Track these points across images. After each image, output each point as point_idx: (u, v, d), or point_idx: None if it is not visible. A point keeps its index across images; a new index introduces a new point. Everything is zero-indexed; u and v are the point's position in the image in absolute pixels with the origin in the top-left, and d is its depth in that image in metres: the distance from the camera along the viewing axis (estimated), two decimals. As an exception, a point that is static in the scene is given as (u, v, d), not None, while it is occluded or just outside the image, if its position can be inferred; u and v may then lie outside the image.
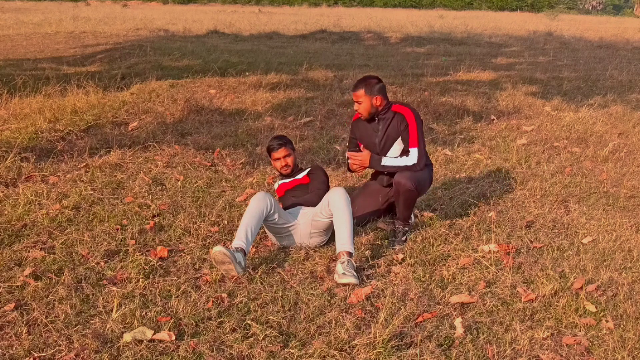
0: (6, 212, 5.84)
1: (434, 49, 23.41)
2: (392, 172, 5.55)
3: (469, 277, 4.97)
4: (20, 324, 4.06)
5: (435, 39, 27.71)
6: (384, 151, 5.67)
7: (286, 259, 5.25)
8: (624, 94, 13.74)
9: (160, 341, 3.91)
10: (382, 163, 5.57)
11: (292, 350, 3.86)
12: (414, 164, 5.47)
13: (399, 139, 5.60)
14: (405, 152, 5.55)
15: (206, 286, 4.68)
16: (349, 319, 4.26)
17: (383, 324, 4.13)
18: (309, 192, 5.65)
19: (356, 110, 5.71)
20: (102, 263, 4.99)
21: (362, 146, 5.86)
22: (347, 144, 6.28)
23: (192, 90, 12.32)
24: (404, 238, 5.59)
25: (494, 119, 10.69)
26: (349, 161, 5.79)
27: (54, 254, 5.09)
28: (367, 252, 5.38)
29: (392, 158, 5.55)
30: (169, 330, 4.01)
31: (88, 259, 5.05)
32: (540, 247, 5.59)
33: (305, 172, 5.89)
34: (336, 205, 5.09)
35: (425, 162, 5.59)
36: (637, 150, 8.96)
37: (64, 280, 4.63)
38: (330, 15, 50.33)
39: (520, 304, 4.54)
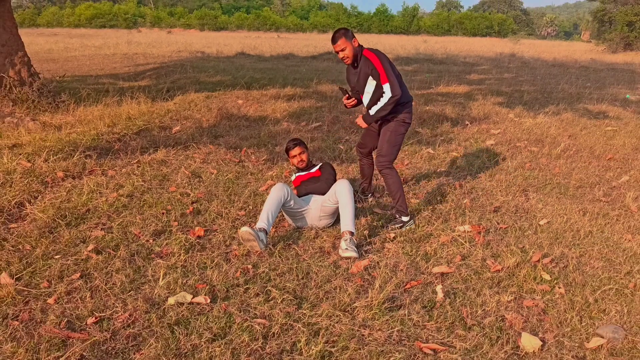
0: (73, 199, 5.85)
1: (419, 67, 23.36)
2: (379, 114, 5.43)
3: (447, 252, 4.96)
4: (84, 290, 4.08)
5: (420, 59, 27.64)
6: (361, 86, 5.53)
7: (300, 237, 5.24)
8: (573, 104, 13.69)
9: (198, 304, 3.93)
10: (371, 114, 5.46)
11: (304, 311, 3.87)
12: (391, 97, 5.31)
13: (370, 78, 5.42)
14: (380, 91, 5.37)
15: (235, 259, 4.68)
16: (351, 285, 4.26)
17: (378, 289, 4.13)
18: (320, 182, 5.64)
19: (342, 59, 5.49)
20: (151, 240, 4.99)
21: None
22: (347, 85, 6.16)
23: (224, 100, 12.32)
24: (398, 226, 5.54)
25: (468, 124, 10.66)
26: (344, 98, 5.76)
27: (112, 233, 5.10)
28: (365, 232, 5.37)
29: (376, 106, 5.39)
30: (205, 295, 4.02)
31: (139, 237, 5.06)
32: (505, 228, 5.57)
33: (317, 167, 5.90)
34: (341, 194, 5.09)
35: (400, 90, 5.34)
36: (584, 149, 8.93)
37: (120, 254, 4.65)
38: (335, 40, 50.25)
39: (489, 274, 4.53)
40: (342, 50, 5.38)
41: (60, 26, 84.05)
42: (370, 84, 5.43)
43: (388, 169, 5.57)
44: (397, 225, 5.52)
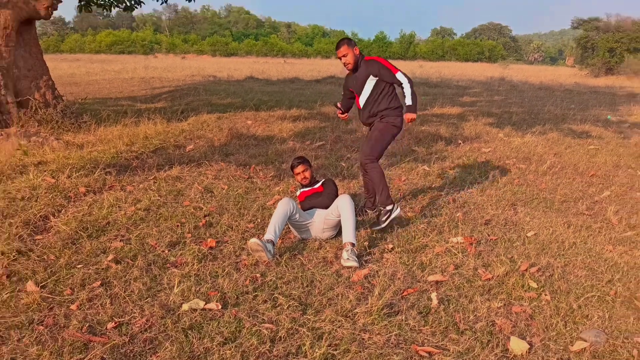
0: (94, 212, 5.87)
1: (415, 90, 23.30)
2: (415, 99, 5.51)
3: (442, 261, 4.97)
4: (104, 297, 4.09)
5: (416, 82, 27.57)
6: (359, 86, 5.64)
7: (304, 248, 5.26)
8: (559, 124, 13.71)
9: (210, 310, 3.94)
10: (410, 104, 5.50)
11: (309, 317, 3.88)
12: (409, 80, 5.49)
13: (370, 77, 5.54)
14: (396, 83, 5.54)
15: (244, 268, 4.69)
16: (352, 293, 4.27)
17: (377, 296, 4.14)
18: (323, 197, 5.67)
19: (344, 65, 5.61)
20: (166, 251, 5.01)
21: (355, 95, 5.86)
22: (342, 93, 6.22)
23: (234, 121, 12.36)
24: (385, 217, 5.56)
25: (460, 143, 10.68)
26: (338, 112, 5.89)
27: (130, 244, 5.13)
28: (365, 243, 5.39)
29: (407, 98, 5.48)
30: (217, 301, 4.04)
31: (156, 248, 5.08)
32: (496, 239, 5.58)
33: (320, 183, 5.91)
34: (343, 208, 5.12)
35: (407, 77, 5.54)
36: (569, 166, 8.94)
37: (137, 264, 4.67)
38: (338, 65, 50.40)
39: (481, 282, 4.54)
40: (344, 56, 5.50)
41: (82, 52, 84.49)
42: (370, 82, 5.58)
43: (372, 164, 5.67)
44: (384, 217, 5.55)
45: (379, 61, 5.55)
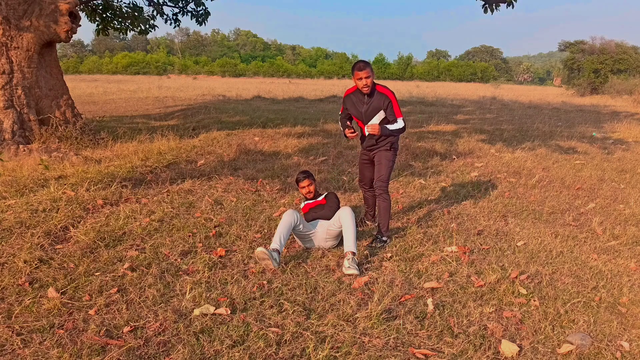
0: (111, 223, 5.90)
1: (412, 109, 23.46)
2: (394, 133, 5.54)
3: (437, 269, 4.97)
4: (121, 303, 4.11)
5: (413, 101, 27.78)
6: (368, 118, 5.58)
7: (308, 256, 5.27)
8: (547, 140, 13.74)
9: (220, 314, 3.95)
10: (389, 128, 5.50)
11: (312, 321, 3.89)
12: (402, 127, 5.54)
13: (381, 112, 5.51)
14: (391, 122, 5.54)
15: (252, 276, 4.71)
16: (353, 299, 4.28)
17: (377, 302, 4.15)
18: (325, 209, 5.69)
19: (363, 86, 5.37)
20: (179, 259, 5.03)
21: (354, 119, 5.84)
22: (340, 113, 6.08)
23: (242, 137, 12.40)
24: (379, 245, 5.61)
25: (454, 158, 10.70)
26: (345, 132, 5.63)
27: (145, 253, 5.14)
28: (365, 252, 5.40)
29: (392, 126, 5.50)
30: (226, 307, 4.05)
31: (169, 256, 5.09)
32: (488, 248, 5.59)
33: (323, 196, 5.93)
34: (345, 219, 5.14)
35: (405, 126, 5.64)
36: (556, 180, 8.96)
37: (151, 271, 4.68)
38: (340, 85, 50.69)
39: (473, 289, 4.55)
40: (367, 77, 5.33)
41: (99, 73, 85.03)
42: (379, 116, 5.54)
43: (386, 194, 5.69)
44: (379, 245, 5.61)
45: (390, 98, 5.48)
